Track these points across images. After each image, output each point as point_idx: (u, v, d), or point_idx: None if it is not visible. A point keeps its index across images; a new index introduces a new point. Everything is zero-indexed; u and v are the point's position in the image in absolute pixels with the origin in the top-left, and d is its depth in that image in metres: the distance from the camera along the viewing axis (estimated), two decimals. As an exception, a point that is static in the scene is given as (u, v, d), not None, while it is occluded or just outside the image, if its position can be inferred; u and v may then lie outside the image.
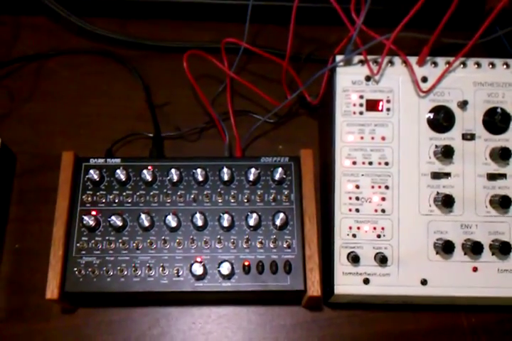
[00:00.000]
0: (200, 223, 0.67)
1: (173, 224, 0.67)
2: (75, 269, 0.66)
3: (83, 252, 0.66)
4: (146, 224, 0.67)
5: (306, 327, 0.72)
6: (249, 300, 0.72)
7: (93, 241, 0.67)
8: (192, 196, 0.69)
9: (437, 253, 0.65)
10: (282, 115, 0.81)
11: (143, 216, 0.67)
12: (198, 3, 0.83)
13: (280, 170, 0.69)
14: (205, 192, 0.69)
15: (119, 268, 0.66)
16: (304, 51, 0.83)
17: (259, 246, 0.67)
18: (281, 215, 0.67)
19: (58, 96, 0.82)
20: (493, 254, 0.65)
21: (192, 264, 0.65)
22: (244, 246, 0.67)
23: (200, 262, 0.66)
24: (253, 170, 0.69)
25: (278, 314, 0.72)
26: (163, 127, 0.81)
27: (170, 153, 0.78)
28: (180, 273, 0.66)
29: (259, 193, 0.69)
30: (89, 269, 0.66)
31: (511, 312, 0.72)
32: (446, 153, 0.64)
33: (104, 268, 0.66)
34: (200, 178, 0.69)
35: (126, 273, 0.66)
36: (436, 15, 0.66)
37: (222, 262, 0.66)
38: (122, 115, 0.82)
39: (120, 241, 0.67)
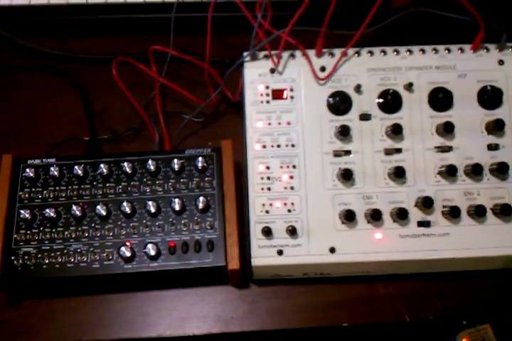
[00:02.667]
0: (128, 211, 0.73)
1: (103, 213, 0.73)
2: (13, 259, 0.71)
3: (21, 243, 0.73)
4: (78, 214, 0.73)
5: (234, 303, 0.77)
6: (182, 283, 0.77)
7: (30, 233, 0.73)
8: (120, 187, 0.75)
9: (343, 223, 0.71)
10: (210, 114, 0.88)
11: (74, 207, 0.73)
12: (129, 18, 0.91)
13: (201, 159, 0.76)
14: (133, 184, 0.76)
15: (53, 255, 0.72)
16: (229, 57, 0.90)
17: (184, 228, 0.74)
18: (202, 199, 0.73)
19: (3, 108, 0.90)
20: (394, 221, 0.71)
21: (119, 248, 0.71)
22: (171, 229, 0.73)
23: (128, 245, 0.71)
24: (176, 160, 0.75)
25: (208, 293, 0.78)
26: (101, 131, 0.88)
27: (107, 154, 0.84)
28: (110, 257, 0.72)
29: (183, 181, 0.76)
30: (27, 258, 0.71)
31: (424, 278, 0.77)
32: (343, 132, 0.71)
33: (40, 256, 0.72)
34: (129, 170, 0.75)
35: (60, 260, 0.72)
36: (350, 15, 0.74)
37: (147, 244, 0.71)
38: (63, 122, 0.89)
39: (55, 231, 0.73)
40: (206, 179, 0.75)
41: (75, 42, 0.94)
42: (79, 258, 0.72)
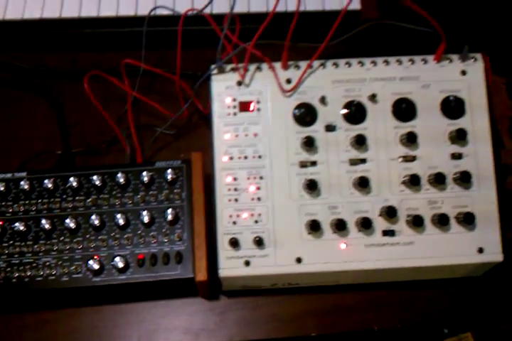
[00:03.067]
0: (97, 224, 0.74)
1: (72, 226, 0.74)
2: (-17, 273, 0.72)
3: (-9, 258, 0.73)
4: (48, 228, 0.74)
5: (204, 314, 0.78)
6: (153, 295, 0.77)
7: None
8: (90, 200, 0.76)
9: (309, 233, 0.72)
10: (182, 126, 0.89)
11: (44, 221, 0.74)
12: (102, 33, 0.92)
13: (170, 171, 0.76)
14: (103, 196, 0.76)
15: (22, 269, 0.72)
16: (202, 70, 0.91)
17: (152, 240, 0.74)
18: (170, 211, 0.74)
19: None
20: (359, 231, 0.72)
21: (88, 261, 0.71)
22: (140, 241, 0.74)
23: (96, 259, 0.72)
24: (145, 172, 0.76)
25: (178, 305, 0.78)
26: (76, 144, 0.88)
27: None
28: (79, 271, 0.72)
29: (153, 194, 0.77)
30: (-4, 273, 0.72)
31: (392, 288, 0.78)
32: (308, 143, 0.72)
33: (9, 270, 0.72)
34: (98, 184, 0.76)
35: (30, 273, 0.72)
36: (321, 28, 0.76)
37: (115, 257, 0.72)
38: (37, 136, 0.90)
39: (24, 245, 0.74)
40: (175, 191, 0.76)
41: (49, 57, 0.95)
42: (48, 271, 0.72)
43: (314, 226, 0.70)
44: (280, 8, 0.89)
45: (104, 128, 0.88)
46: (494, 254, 0.72)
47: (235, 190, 0.73)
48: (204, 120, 0.89)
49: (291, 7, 0.91)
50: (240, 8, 0.89)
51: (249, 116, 0.74)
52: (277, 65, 0.75)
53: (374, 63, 0.75)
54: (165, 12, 0.84)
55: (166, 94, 0.89)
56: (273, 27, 0.74)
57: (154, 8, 0.83)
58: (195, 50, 0.90)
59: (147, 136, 0.87)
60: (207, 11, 0.88)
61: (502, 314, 0.79)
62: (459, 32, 0.82)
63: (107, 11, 0.90)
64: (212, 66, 0.74)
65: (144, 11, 0.88)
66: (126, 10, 0.89)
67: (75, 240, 0.74)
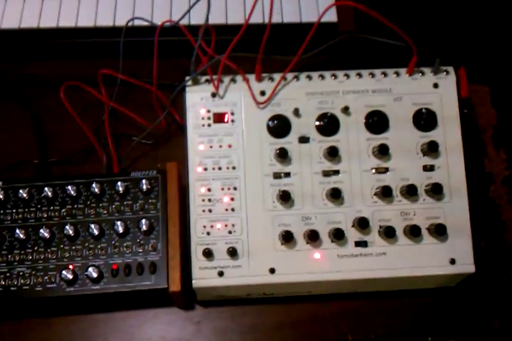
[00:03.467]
0: (71, 234, 0.74)
1: (47, 236, 0.74)
2: (-44, 284, 0.72)
3: (-36, 268, 0.73)
4: (23, 237, 0.74)
5: (179, 324, 0.78)
6: (128, 305, 0.77)
7: (-26, 257, 0.73)
8: (65, 210, 0.76)
9: (282, 243, 0.72)
10: (160, 136, 0.89)
11: (18, 231, 0.74)
12: (81, 43, 0.92)
13: (145, 181, 0.77)
14: (78, 206, 0.77)
15: (-4, 279, 0.72)
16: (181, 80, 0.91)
17: (127, 250, 0.74)
18: (145, 221, 0.74)
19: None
20: (332, 242, 0.73)
21: (61, 271, 0.72)
22: (114, 251, 0.74)
23: (71, 269, 0.72)
24: (120, 183, 0.77)
25: (154, 315, 0.79)
26: (53, 154, 0.88)
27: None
28: (53, 280, 0.72)
29: (128, 204, 0.77)
30: (-30, 283, 0.72)
31: (367, 298, 0.79)
32: (281, 155, 0.73)
33: (-17, 281, 0.72)
34: (73, 193, 0.76)
35: (4, 283, 0.73)
36: (298, 40, 0.77)
37: (89, 267, 0.72)
38: (15, 146, 0.90)
39: (-2, 255, 0.74)
40: (151, 201, 0.77)
41: (27, 66, 0.95)
42: (22, 281, 0.72)
43: (287, 237, 0.71)
44: (257, 20, 0.90)
45: (82, 138, 0.88)
46: (466, 265, 0.73)
47: (209, 200, 0.73)
48: (181, 130, 0.89)
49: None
50: (217, 19, 0.89)
51: (223, 128, 0.75)
52: (252, 77, 0.75)
53: (347, 76, 0.75)
54: (143, 23, 0.84)
55: (144, 104, 0.89)
56: (251, 39, 0.75)
57: (131, 19, 0.83)
58: (175, 60, 0.90)
59: (125, 145, 0.88)
60: (185, 21, 0.89)
61: (484, 321, 0.80)
62: (433, 45, 0.84)
63: (86, 22, 0.89)
64: (187, 77, 0.75)
65: (122, 21, 0.88)
66: (105, 20, 0.89)
67: (49, 250, 0.74)
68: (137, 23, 0.87)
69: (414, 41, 0.73)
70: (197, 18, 0.89)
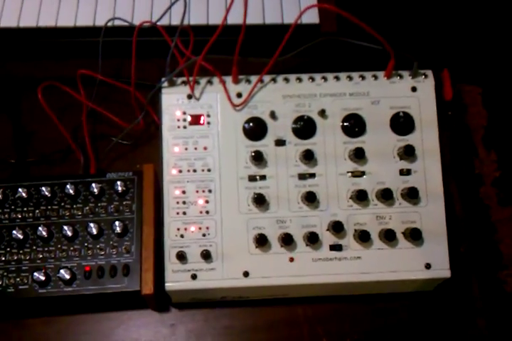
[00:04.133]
0: (45, 235, 0.73)
1: (20, 237, 0.73)
2: None
3: None
4: (-6, 238, 0.73)
5: (153, 327, 0.77)
6: (103, 307, 0.77)
7: None
8: (39, 211, 0.76)
9: (256, 247, 0.72)
10: (140, 137, 0.88)
11: (-9, 231, 0.73)
12: (60, 42, 0.91)
13: (120, 183, 0.76)
14: (52, 207, 0.76)
15: (-33, 281, 0.71)
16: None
17: (100, 252, 0.74)
18: (118, 223, 0.74)
19: None
20: (306, 245, 0.72)
21: (33, 273, 0.71)
22: (87, 253, 0.74)
23: (43, 270, 0.72)
24: (94, 184, 0.76)
25: (128, 317, 0.78)
26: (31, 155, 0.87)
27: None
28: (25, 282, 0.72)
29: (102, 205, 0.76)
30: None
31: (344, 301, 0.78)
32: (257, 158, 0.72)
33: (-46, 282, 0.71)
34: (48, 194, 0.76)
35: (-25, 285, 0.71)
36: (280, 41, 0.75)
37: (62, 269, 0.72)
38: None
39: (-30, 256, 0.73)
40: (125, 203, 0.76)
41: (6, 65, 0.94)
42: (-7, 282, 0.71)
43: (262, 240, 0.70)
44: (238, 21, 0.89)
45: (61, 138, 0.87)
46: (441, 270, 0.73)
47: (184, 203, 0.73)
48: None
49: (251, 20, 0.90)
50: (198, 20, 0.89)
51: (199, 130, 0.74)
52: (228, 79, 0.75)
53: (324, 79, 0.75)
54: (124, 23, 0.83)
55: (123, 104, 0.89)
56: (232, 40, 0.74)
57: (111, 20, 0.83)
58: (157, 60, 0.90)
59: (104, 146, 0.87)
60: (165, 22, 0.88)
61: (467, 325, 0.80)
62: (413, 49, 0.83)
63: (66, 21, 0.89)
64: (163, 79, 0.74)
65: (102, 22, 0.87)
66: (85, 20, 0.89)
67: (22, 251, 0.73)
68: (118, 23, 0.86)
69: (397, 44, 0.72)
70: (178, 19, 0.88)
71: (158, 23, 0.80)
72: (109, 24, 0.85)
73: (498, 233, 0.84)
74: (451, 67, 0.84)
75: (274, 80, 0.75)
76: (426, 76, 0.76)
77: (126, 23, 0.85)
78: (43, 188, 0.75)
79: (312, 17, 0.90)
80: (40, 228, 0.73)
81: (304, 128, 0.74)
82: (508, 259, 0.83)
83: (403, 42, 0.80)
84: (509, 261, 0.83)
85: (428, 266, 0.72)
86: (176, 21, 0.90)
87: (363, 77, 0.76)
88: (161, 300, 0.75)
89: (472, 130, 0.91)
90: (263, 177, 0.73)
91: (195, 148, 0.74)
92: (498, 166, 0.88)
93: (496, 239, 0.84)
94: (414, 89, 0.75)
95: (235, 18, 0.87)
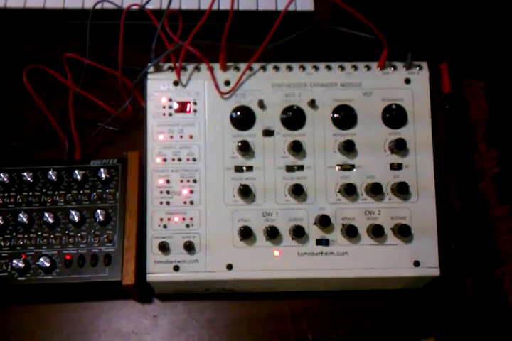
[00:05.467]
0: (25, 221, 0.71)
1: (0, 223, 0.71)
2: None
3: None
4: (-26, 225, 0.71)
5: (135, 317, 0.76)
6: (85, 296, 0.75)
7: None
8: (20, 197, 0.74)
9: (241, 239, 0.70)
10: (126, 123, 0.86)
11: (-29, 217, 0.71)
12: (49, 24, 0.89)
13: (103, 170, 0.74)
14: (34, 193, 0.74)
15: None
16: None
17: (82, 241, 0.72)
18: (100, 211, 0.72)
19: None
20: (292, 239, 0.70)
21: (12, 260, 0.69)
22: (68, 241, 0.72)
23: (22, 257, 0.70)
24: (77, 171, 0.74)
25: (110, 307, 0.76)
26: (17, 138, 0.85)
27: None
28: (4, 269, 0.70)
29: (85, 193, 0.74)
30: None
31: (331, 296, 0.77)
32: (243, 148, 0.70)
33: None
34: (30, 180, 0.74)
35: (-46, 272, 0.70)
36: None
37: (41, 257, 0.70)
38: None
39: (-51, 242, 0.71)
40: (109, 191, 0.74)
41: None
42: (-28, 270, 0.70)
43: (247, 233, 0.69)
44: (228, 7, 0.86)
45: (46, 122, 0.85)
46: (430, 268, 0.71)
47: (167, 192, 0.71)
48: (148, 117, 0.87)
49: (244, 5, 0.88)
50: (190, 4, 0.86)
51: (185, 118, 0.72)
52: (216, 66, 0.72)
53: (316, 68, 0.73)
54: (112, 6, 0.81)
55: (111, 89, 0.86)
56: (221, 26, 0.71)
57: (99, 2, 0.80)
58: (146, 44, 0.87)
59: (90, 132, 0.85)
60: (156, 6, 0.86)
61: (462, 321, 0.80)
62: (412, 40, 0.81)
63: (54, 3, 0.86)
64: (148, 64, 0.72)
65: (91, 4, 0.85)
66: (73, 2, 0.86)
67: (1, 237, 0.71)
68: (106, 5, 0.83)
69: (393, 35, 0.70)
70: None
71: (149, 7, 0.77)
72: (98, 7, 0.82)
73: (496, 230, 0.82)
74: (454, 60, 0.82)
75: (263, 68, 0.73)
76: (421, 68, 0.74)
77: (114, 6, 0.82)
78: (25, 174, 0.74)
79: (307, 4, 0.88)
80: (20, 214, 0.72)
81: (293, 118, 0.72)
82: (504, 256, 0.81)
83: (401, 34, 0.78)
84: (506, 258, 0.81)
85: (417, 264, 0.71)
86: (165, 5, 0.87)
87: (355, 67, 0.73)
88: (144, 291, 0.73)
89: (473, 124, 0.88)
90: (250, 168, 0.71)
91: (181, 137, 0.72)
92: (497, 162, 0.85)
93: (494, 235, 0.81)
94: (407, 81, 0.73)
95: (227, 3, 0.84)
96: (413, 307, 0.78)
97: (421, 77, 0.73)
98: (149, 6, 0.80)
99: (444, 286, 0.77)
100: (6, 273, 0.70)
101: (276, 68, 0.73)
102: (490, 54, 0.93)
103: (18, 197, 0.74)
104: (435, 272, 0.71)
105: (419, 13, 0.95)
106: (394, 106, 0.72)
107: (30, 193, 0.74)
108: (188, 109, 0.72)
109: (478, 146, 0.86)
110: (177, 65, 0.72)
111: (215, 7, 0.89)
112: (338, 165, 0.72)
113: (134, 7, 0.76)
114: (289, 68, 0.73)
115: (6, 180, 0.73)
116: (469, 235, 0.81)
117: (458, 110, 0.88)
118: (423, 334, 0.78)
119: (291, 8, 0.88)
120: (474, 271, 0.80)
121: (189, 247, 0.69)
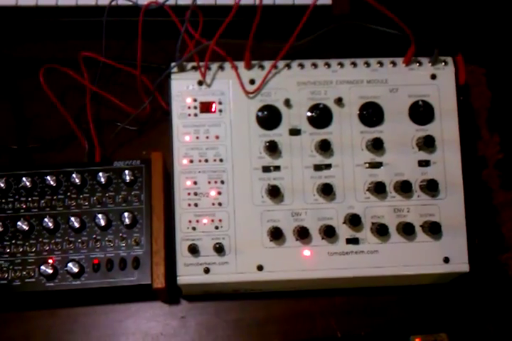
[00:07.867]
0: (51, 226, 0.70)
1: (25, 228, 0.70)
2: None
3: None
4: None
5: (163, 319, 0.76)
6: (111, 299, 0.75)
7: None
8: (44, 201, 0.73)
9: (271, 240, 0.69)
10: (146, 122, 0.85)
11: (-5, 222, 0.70)
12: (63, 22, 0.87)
13: (128, 172, 0.73)
14: (57, 197, 0.73)
15: (-27, 273, 0.69)
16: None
17: (109, 244, 0.71)
18: (127, 214, 0.71)
19: None
20: (322, 239, 0.70)
21: (40, 265, 0.68)
22: (95, 245, 0.71)
23: (50, 263, 0.69)
24: (101, 173, 0.73)
25: (137, 309, 0.76)
26: (33, 140, 0.84)
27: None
28: (32, 275, 0.69)
29: (110, 195, 0.73)
30: None
31: (357, 294, 0.77)
32: (271, 148, 0.69)
33: (-40, 275, 0.69)
34: (53, 184, 0.73)
35: (-19, 278, 0.69)
36: (290, 23, 0.73)
37: (70, 262, 0.69)
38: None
39: (-25, 248, 0.70)
40: (134, 193, 0.73)
41: (8, 47, 0.90)
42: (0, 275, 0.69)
43: (276, 234, 0.68)
44: (247, 1, 0.85)
45: (64, 123, 0.84)
46: (460, 264, 0.71)
47: (195, 194, 0.70)
48: (167, 116, 0.86)
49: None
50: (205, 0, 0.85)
51: (210, 118, 0.71)
52: (241, 65, 0.71)
53: (341, 65, 0.72)
54: (128, 2, 0.79)
55: (129, 87, 0.85)
56: (240, 21, 0.70)
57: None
58: (164, 41, 0.86)
59: (108, 131, 0.84)
60: (172, 1, 0.84)
61: (478, 317, 0.79)
62: (431, 34, 0.80)
63: (67, 0, 0.84)
64: (172, 64, 0.70)
65: (106, 0, 0.83)
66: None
67: (27, 243, 0.71)
68: (121, 2, 0.82)
69: (412, 29, 0.69)
70: (184, -1, 0.84)
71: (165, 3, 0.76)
72: (113, 3, 0.81)
73: (500, 216, 0.81)
74: (454, 47, 0.80)
75: (288, 66, 0.72)
76: (446, 63, 0.73)
77: (130, 3, 0.80)
78: (48, 177, 0.73)
79: (324, -3, 0.86)
80: (45, 219, 0.71)
81: (320, 116, 0.71)
82: (509, 242, 0.80)
83: (417, 28, 0.77)
84: (510, 244, 0.81)
85: (446, 260, 0.70)
86: (181, 1, 0.85)
87: (381, 64, 0.72)
88: (171, 293, 0.73)
89: (476, 111, 0.88)
90: (277, 168, 0.70)
91: (207, 137, 0.71)
92: (500, 148, 0.85)
93: (498, 222, 0.81)
94: (433, 76, 0.73)
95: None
96: (439, 302, 0.77)
97: (446, 73, 0.73)
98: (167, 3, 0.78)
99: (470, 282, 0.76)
100: (33, 279, 0.70)
101: (301, 66, 0.72)
102: (491, 40, 0.92)
103: (42, 201, 0.73)
104: (465, 268, 0.71)
105: (421, 5, 0.94)
106: (421, 103, 0.71)
107: (54, 197, 0.73)
108: (213, 109, 0.71)
109: (481, 133, 0.86)
110: (201, 64, 0.71)
111: (230, 2, 0.87)
112: (366, 163, 0.71)
113: (153, 5, 0.74)
114: (314, 65, 0.72)
115: (28, 184, 0.73)
116: (473, 222, 0.80)
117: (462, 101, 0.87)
118: (450, 326, 0.78)
119: (309, 1, 0.86)
120: (479, 257, 0.79)
121: (219, 249, 0.68)
